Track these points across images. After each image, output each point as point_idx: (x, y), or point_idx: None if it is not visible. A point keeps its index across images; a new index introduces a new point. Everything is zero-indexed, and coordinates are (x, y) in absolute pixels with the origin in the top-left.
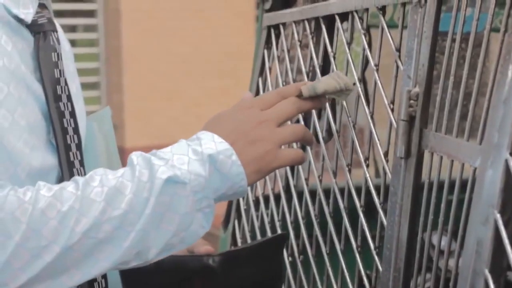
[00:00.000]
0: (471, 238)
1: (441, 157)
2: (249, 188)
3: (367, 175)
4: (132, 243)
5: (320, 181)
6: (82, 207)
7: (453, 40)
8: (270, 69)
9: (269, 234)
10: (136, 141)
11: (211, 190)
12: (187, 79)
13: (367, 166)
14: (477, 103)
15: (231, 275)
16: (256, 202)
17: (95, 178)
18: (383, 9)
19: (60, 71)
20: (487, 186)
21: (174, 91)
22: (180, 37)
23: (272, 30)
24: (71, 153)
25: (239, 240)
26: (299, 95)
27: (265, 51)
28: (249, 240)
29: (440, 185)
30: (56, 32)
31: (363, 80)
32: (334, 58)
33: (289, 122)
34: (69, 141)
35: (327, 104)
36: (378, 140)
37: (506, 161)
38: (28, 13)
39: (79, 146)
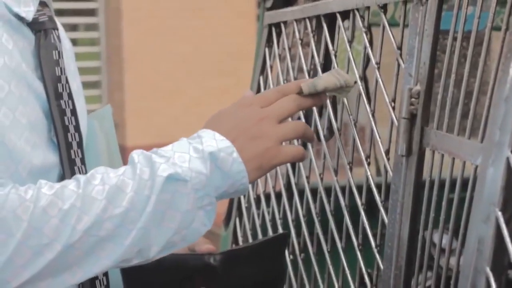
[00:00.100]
0: (472, 236)
1: (442, 155)
2: (250, 186)
3: (368, 173)
4: (134, 241)
5: (321, 179)
6: (83, 205)
7: (454, 39)
8: (271, 67)
9: (270, 232)
10: (137, 140)
11: (212, 188)
12: (188, 78)
13: (368, 164)
14: (478, 102)
15: (232, 274)
16: (257, 200)
17: (96, 176)
18: (384, 7)
19: (61, 69)
20: (489, 184)
21: (175, 90)
22: (180, 36)
23: (273, 29)
24: (72, 151)
25: (240, 239)
26: (300, 93)
27: (266, 50)
28: (250, 238)
29: (441, 183)
30: (57, 30)
31: (364, 79)
32: (335, 56)
33: (290, 120)
34: (70, 139)
35: (328, 102)
36: (380, 138)
37: (508, 159)
38: (29, 11)
39: (80, 144)
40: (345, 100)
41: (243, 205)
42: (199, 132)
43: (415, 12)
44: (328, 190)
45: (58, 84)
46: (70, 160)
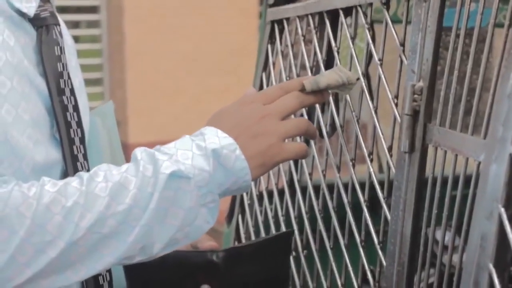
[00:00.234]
0: (475, 233)
1: (445, 152)
2: (252, 183)
3: (371, 170)
4: (137, 238)
5: (324, 176)
6: (86, 202)
7: (457, 36)
8: (273, 64)
9: (273, 229)
10: (139, 137)
11: (215, 185)
12: (189, 76)
13: (371, 161)
14: (481, 98)
15: (235, 272)
16: (260, 197)
17: (99, 173)
18: (387, 4)
19: (63, 64)
20: (492, 180)
21: (177, 88)
22: (182, 34)
23: (276, 25)
24: (74, 147)
25: (242, 235)
26: (302, 90)
27: (269, 46)
28: (252, 235)
29: (444, 180)
30: (59, 25)
31: (366, 75)
32: (338, 53)
33: (292, 117)
34: (72, 135)
35: (331, 99)
36: (382, 134)
37: (511, 155)
38: (30, 7)
39: (82, 140)
40: (347, 97)
41: (246, 202)
42: (202, 130)
43: (418, 8)
44: (330, 187)
45: (60, 80)
46: (73, 156)
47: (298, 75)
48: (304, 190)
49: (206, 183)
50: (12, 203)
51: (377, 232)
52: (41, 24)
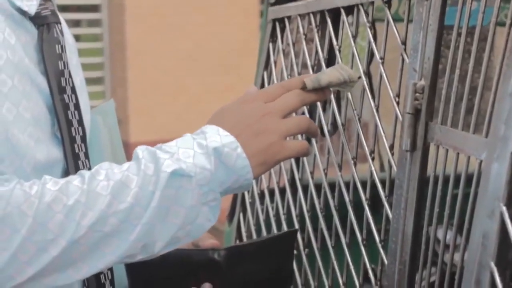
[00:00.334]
0: (477, 231)
1: (447, 150)
2: (254, 182)
3: (373, 168)
4: (138, 236)
5: (326, 174)
6: (88, 201)
7: (459, 34)
8: (275, 63)
9: (274, 227)
10: (139, 136)
11: (216, 183)
12: (191, 75)
13: (373, 159)
14: (482, 97)
15: (237, 270)
16: (261, 195)
17: (101, 172)
18: (388, 3)
19: (64, 63)
20: (493, 179)
21: (178, 86)
22: (184, 33)
23: (277, 24)
24: (76, 145)
25: (244, 234)
26: (303, 88)
27: (270, 45)
28: (254, 234)
29: (446, 178)
30: (60, 24)
31: (368, 74)
32: (340, 51)
33: (293, 115)
34: (74, 133)
35: (332, 97)
36: (384, 133)
37: None
38: (31, 5)
39: (83, 139)
40: (349, 95)
41: (247, 201)
42: (203, 128)
43: (420, 7)
44: (332, 186)
45: (61, 78)
46: (74, 155)
47: (299, 74)
48: (305, 188)
49: (208, 182)
50: (14, 202)
51: (378, 231)
52: (42, 23)
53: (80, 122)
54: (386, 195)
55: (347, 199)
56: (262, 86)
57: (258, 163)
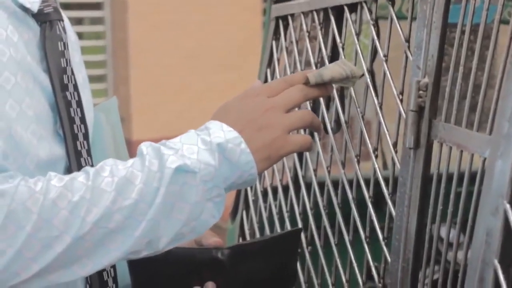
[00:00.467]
0: (480, 229)
1: (450, 148)
2: (257, 179)
3: (376, 166)
4: (143, 233)
5: (329, 172)
6: (92, 197)
7: (462, 32)
8: (278, 60)
9: (277, 225)
10: (142, 134)
11: (221, 179)
12: (193, 73)
13: (376, 157)
14: (486, 95)
15: (240, 269)
16: (265, 193)
17: (106, 168)
18: (392, 0)
19: (66, 60)
20: (497, 176)
21: (180, 84)
22: (186, 31)
23: (281, 22)
24: (78, 143)
25: (247, 232)
26: (306, 83)
27: (273, 42)
28: (257, 232)
29: (449, 176)
30: (62, 21)
31: (371, 72)
32: (343, 49)
33: (296, 110)
34: (76, 131)
35: (336, 95)
36: (387, 131)
37: None
38: (34, 2)
39: (86, 136)
40: (352, 93)
41: (250, 198)
42: (207, 124)
43: (423, 4)
44: (335, 183)
45: (64, 76)
46: (76, 152)
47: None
48: (308, 186)
49: (212, 178)
50: (18, 198)
51: (381, 229)
52: (45, 20)
53: (83, 119)
54: (389, 192)
55: (350, 196)
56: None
57: (262, 158)
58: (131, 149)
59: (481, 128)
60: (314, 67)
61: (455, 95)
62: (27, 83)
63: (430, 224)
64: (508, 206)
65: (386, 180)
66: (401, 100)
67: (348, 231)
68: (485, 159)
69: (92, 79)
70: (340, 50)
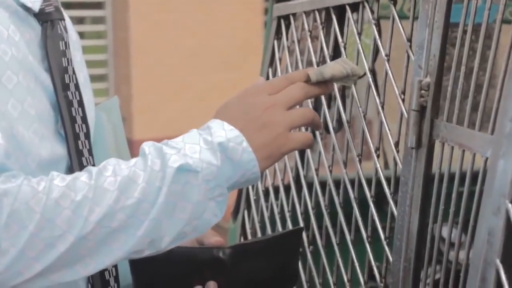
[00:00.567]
0: (482, 229)
1: (452, 148)
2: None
3: (378, 165)
4: (146, 232)
5: (330, 171)
6: (95, 196)
7: (464, 32)
8: (280, 60)
9: (279, 225)
10: (143, 134)
11: (223, 179)
12: (195, 72)
13: (378, 156)
14: (488, 95)
15: (241, 269)
16: (266, 192)
17: (108, 168)
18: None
19: (68, 59)
20: (499, 176)
21: (182, 84)
22: (188, 30)
23: (282, 21)
24: (79, 142)
25: (248, 231)
26: (307, 80)
27: (275, 42)
28: (258, 231)
29: (451, 176)
30: (64, 20)
31: (373, 71)
32: (345, 48)
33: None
34: (77, 130)
35: (337, 94)
36: (389, 130)
37: None
38: (35, 2)
39: (87, 135)
40: (354, 92)
41: (252, 198)
42: (209, 123)
43: (425, 4)
44: (337, 183)
45: (65, 75)
46: (78, 151)
47: None
48: (310, 186)
49: (214, 177)
50: (21, 198)
51: (383, 228)
52: (46, 19)
53: (84, 119)
54: (391, 192)
55: (352, 196)
56: None
57: (264, 156)
58: (132, 149)
59: (483, 128)
60: (316, 67)
61: (457, 94)
62: (29, 82)
63: (432, 224)
64: (510, 205)
65: (388, 180)
66: (403, 100)
67: (349, 231)
68: (487, 158)
69: (93, 78)
70: (342, 49)
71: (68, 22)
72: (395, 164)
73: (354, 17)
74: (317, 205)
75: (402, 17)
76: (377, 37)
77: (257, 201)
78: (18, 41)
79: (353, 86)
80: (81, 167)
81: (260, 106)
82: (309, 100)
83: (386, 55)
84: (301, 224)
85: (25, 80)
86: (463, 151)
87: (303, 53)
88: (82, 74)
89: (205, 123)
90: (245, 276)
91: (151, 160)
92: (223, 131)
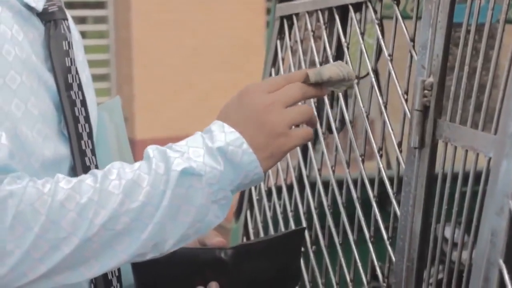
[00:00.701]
0: (485, 229)
1: (455, 147)
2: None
3: (381, 165)
4: (150, 235)
5: (333, 171)
6: (100, 199)
7: (467, 32)
8: (283, 60)
9: (281, 224)
10: (145, 133)
11: (227, 182)
12: (197, 72)
13: (381, 156)
14: (491, 95)
15: (243, 269)
16: (269, 192)
17: (113, 171)
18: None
19: (71, 59)
20: (502, 176)
21: (184, 83)
22: (190, 30)
23: (285, 21)
24: (82, 142)
25: (251, 231)
26: (306, 80)
27: (278, 42)
28: (261, 231)
29: (454, 176)
30: (67, 20)
31: (376, 71)
32: (348, 48)
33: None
34: (80, 130)
35: (340, 95)
36: (392, 130)
37: None
38: (39, 1)
39: (90, 135)
40: (357, 92)
41: (254, 198)
42: (211, 125)
43: (428, 4)
44: (339, 183)
45: (68, 75)
46: (81, 151)
47: None
48: (313, 185)
49: (218, 180)
50: (27, 199)
51: (386, 228)
52: (49, 19)
53: (87, 118)
54: (394, 192)
55: (354, 196)
56: None
57: (266, 156)
58: (135, 148)
59: (486, 128)
60: (318, 66)
61: (460, 94)
62: (32, 82)
63: (435, 224)
64: None
65: (391, 180)
66: (406, 100)
67: (352, 231)
68: (490, 158)
69: (96, 78)
70: (345, 49)
71: (70, 21)
72: (398, 164)
73: (357, 17)
74: (319, 205)
75: (405, 17)
76: (380, 37)
77: (259, 201)
78: (22, 41)
79: (355, 86)
80: (84, 167)
81: (260, 105)
82: (312, 101)
83: (389, 55)
84: (304, 224)
85: (29, 80)
86: (466, 151)
87: (306, 53)
88: (85, 73)
89: (207, 122)
90: (247, 276)
91: (156, 163)
92: (223, 134)
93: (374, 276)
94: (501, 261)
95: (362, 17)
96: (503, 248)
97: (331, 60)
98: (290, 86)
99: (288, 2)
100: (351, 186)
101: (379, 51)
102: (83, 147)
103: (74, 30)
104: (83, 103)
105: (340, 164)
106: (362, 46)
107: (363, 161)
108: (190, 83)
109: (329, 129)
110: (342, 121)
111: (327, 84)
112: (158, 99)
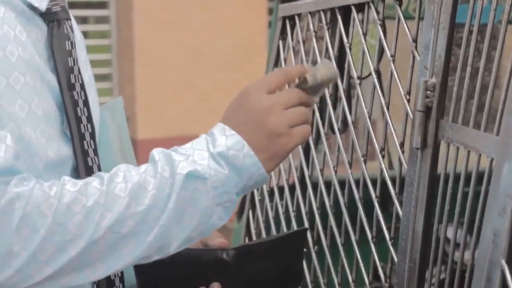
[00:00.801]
0: (487, 229)
1: (458, 148)
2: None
3: (383, 166)
4: (155, 238)
5: (335, 172)
6: (107, 202)
7: (470, 32)
8: (285, 60)
9: (283, 225)
10: (147, 133)
11: (231, 185)
12: (198, 72)
13: (383, 157)
14: (493, 95)
15: (245, 270)
16: (271, 192)
17: (119, 174)
18: (399, 0)
19: (73, 59)
20: (504, 176)
21: (185, 83)
22: (191, 29)
23: (287, 21)
24: (85, 142)
25: (253, 231)
26: (303, 84)
27: (280, 42)
28: (263, 231)
29: (457, 176)
30: (70, 20)
31: (378, 72)
32: (350, 49)
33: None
34: (83, 130)
35: (343, 95)
36: (394, 131)
37: None
38: (42, 1)
39: (93, 135)
40: (359, 93)
41: (256, 198)
42: (213, 128)
43: (431, 4)
44: (341, 183)
45: (71, 75)
46: (83, 151)
47: None
48: (315, 186)
49: (222, 183)
50: (33, 202)
51: (388, 229)
52: (52, 19)
53: (89, 118)
54: (396, 192)
55: (357, 196)
56: None
57: (268, 157)
58: (137, 148)
59: (488, 129)
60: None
61: (462, 95)
62: (35, 82)
63: (437, 224)
64: None
65: (393, 180)
66: (408, 100)
67: (354, 231)
68: (492, 159)
69: (97, 78)
70: (347, 50)
71: (73, 21)
72: (400, 164)
73: (359, 17)
74: (322, 205)
75: (408, 17)
76: (383, 37)
77: (261, 201)
78: (25, 41)
79: (358, 86)
80: (87, 167)
81: (260, 106)
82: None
83: (392, 56)
84: (306, 224)
85: (32, 80)
86: (469, 151)
87: (308, 53)
88: (87, 73)
89: (208, 122)
90: (249, 277)
91: (161, 167)
92: (224, 137)
93: (376, 277)
94: (503, 262)
95: (365, 18)
96: (505, 248)
97: (333, 60)
98: (289, 91)
99: (290, 3)
100: (353, 187)
101: (381, 51)
102: (86, 147)
103: (76, 30)
104: (86, 103)
105: (342, 165)
106: (364, 46)
107: (365, 161)
108: (192, 83)
109: (331, 129)
110: (345, 122)
111: (319, 86)
112: (160, 99)
